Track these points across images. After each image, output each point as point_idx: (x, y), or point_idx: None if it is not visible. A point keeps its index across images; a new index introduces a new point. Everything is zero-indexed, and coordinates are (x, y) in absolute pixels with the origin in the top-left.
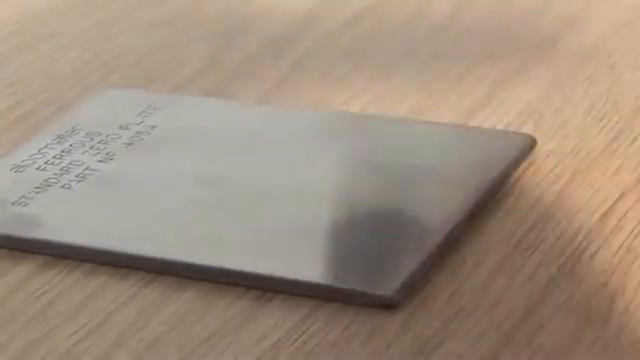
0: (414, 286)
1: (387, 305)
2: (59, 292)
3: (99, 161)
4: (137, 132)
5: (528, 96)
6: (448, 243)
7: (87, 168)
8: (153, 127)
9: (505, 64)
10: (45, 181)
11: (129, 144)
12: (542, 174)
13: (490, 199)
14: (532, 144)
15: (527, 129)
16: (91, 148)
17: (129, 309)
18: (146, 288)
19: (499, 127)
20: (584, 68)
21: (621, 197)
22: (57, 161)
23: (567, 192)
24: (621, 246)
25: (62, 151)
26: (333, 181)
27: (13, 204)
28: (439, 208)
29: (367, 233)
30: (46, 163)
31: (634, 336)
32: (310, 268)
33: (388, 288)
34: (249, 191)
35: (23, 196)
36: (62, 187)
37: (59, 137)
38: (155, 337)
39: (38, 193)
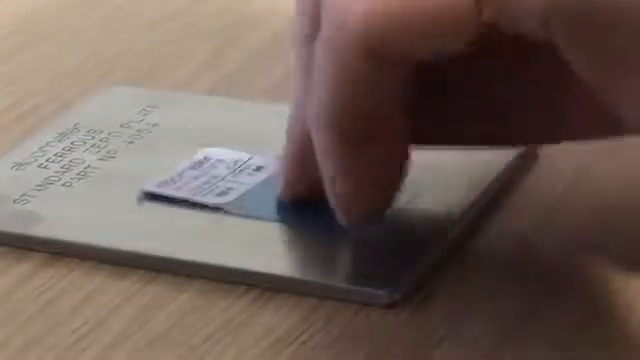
0: (415, 285)
1: (388, 304)
2: (60, 290)
3: (100, 159)
4: (138, 130)
5: None
6: (450, 242)
7: (88, 166)
8: (155, 125)
9: None
10: (46, 179)
11: (130, 142)
12: (544, 174)
13: (492, 199)
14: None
15: None
16: (92, 146)
17: (130, 307)
18: (147, 286)
19: None
20: None
21: (624, 197)
22: (58, 159)
23: (570, 192)
24: (624, 245)
25: (63, 149)
26: None
27: (14, 202)
28: (441, 207)
29: (368, 232)
30: (47, 161)
31: (637, 335)
32: (311, 267)
33: (389, 287)
34: None
35: (24, 194)
36: (63, 185)
37: (60, 135)
38: (155, 335)
39: (39, 191)
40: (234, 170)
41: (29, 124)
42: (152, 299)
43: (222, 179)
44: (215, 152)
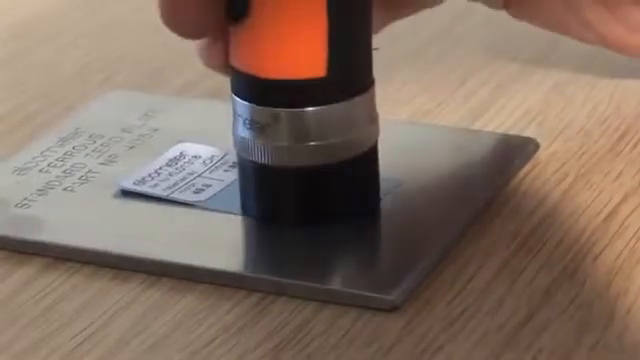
0: (416, 289)
1: (389, 308)
2: (61, 294)
3: (101, 164)
4: (140, 135)
5: (531, 99)
6: (450, 246)
7: (90, 171)
8: (156, 130)
9: (508, 67)
10: (47, 183)
11: (131, 147)
12: (544, 177)
13: (492, 202)
14: (534, 147)
15: (529, 132)
16: (94, 151)
17: (131, 311)
18: (148, 290)
19: (501, 130)
20: (587, 71)
21: (624, 200)
22: (60, 163)
23: (569, 195)
24: (624, 249)
25: (65, 153)
26: None
27: (15, 206)
28: (441, 211)
29: (368, 236)
30: (49, 165)
31: (636, 339)
32: (311, 271)
33: (389, 291)
34: None
35: (25, 198)
36: (64, 189)
37: (62, 139)
38: (157, 340)
39: (40, 195)
40: (210, 166)
41: (30, 129)
42: (153, 303)
43: (199, 175)
44: (191, 148)
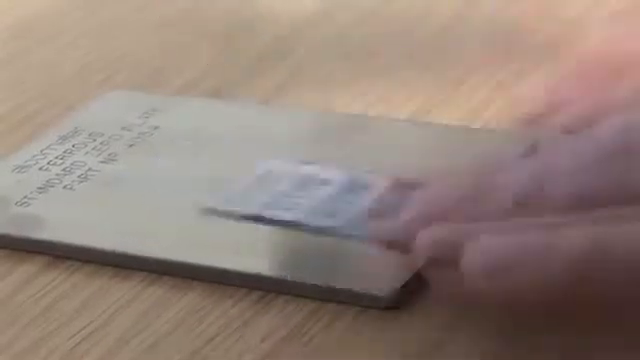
0: (416, 287)
1: (389, 306)
2: (61, 292)
3: (101, 162)
4: (139, 133)
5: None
6: None
7: (89, 169)
8: (156, 128)
9: (508, 66)
10: (47, 181)
11: (131, 145)
12: None
13: None
14: (535, 145)
15: (530, 130)
16: (93, 149)
17: (131, 310)
18: (148, 289)
19: (501, 129)
20: None
21: None
22: (59, 162)
23: None
24: None
25: (64, 152)
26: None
27: (16, 204)
28: None
29: (369, 235)
30: (49, 164)
31: (636, 338)
32: (312, 269)
33: (389, 289)
34: None
35: (25, 196)
36: (64, 188)
37: (61, 138)
38: (158, 338)
39: (41, 193)
40: (300, 185)
41: (30, 129)
42: (154, 301)
43: (287, 195)
44: (277, 165)
